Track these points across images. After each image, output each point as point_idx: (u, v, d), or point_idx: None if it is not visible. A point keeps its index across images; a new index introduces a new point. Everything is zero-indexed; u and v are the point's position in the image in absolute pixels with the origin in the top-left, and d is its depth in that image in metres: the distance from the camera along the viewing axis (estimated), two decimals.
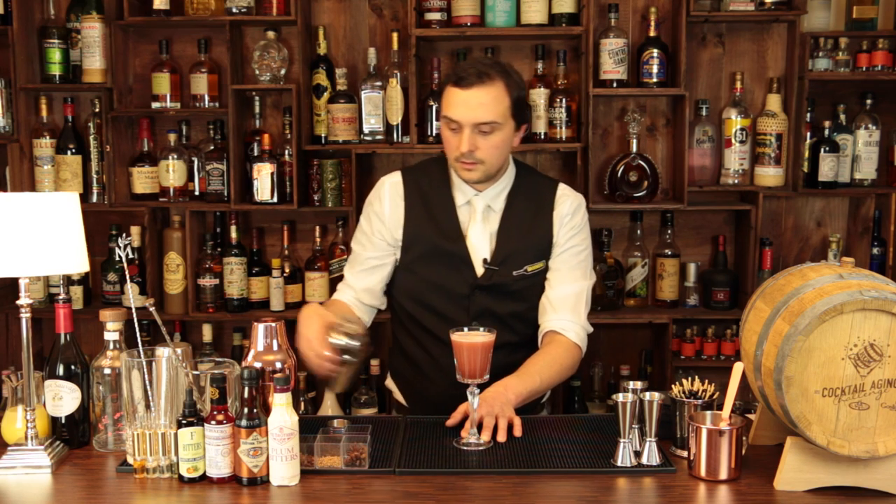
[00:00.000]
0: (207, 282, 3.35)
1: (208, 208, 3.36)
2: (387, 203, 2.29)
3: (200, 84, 3.34)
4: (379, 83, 3.27)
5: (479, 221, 2.26)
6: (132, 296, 1.93)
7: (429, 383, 2.30)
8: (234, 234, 3.35)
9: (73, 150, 3.34)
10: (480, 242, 2.25)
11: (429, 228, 2.27)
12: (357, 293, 2.32)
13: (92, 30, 3.28)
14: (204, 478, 1.75)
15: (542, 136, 3.29)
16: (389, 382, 2.49)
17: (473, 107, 2.12)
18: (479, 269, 2.24)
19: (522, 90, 2.22)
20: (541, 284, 2.30)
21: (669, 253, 3.38)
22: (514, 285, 2.25)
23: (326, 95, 3.32)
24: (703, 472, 1.75)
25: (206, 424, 1.73)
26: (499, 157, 2.20)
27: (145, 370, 1.82)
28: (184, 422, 1.74)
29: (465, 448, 1.91)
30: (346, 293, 2.33)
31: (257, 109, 3.38)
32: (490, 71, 2.14)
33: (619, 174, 3.27)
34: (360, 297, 2.32)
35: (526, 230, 2.27)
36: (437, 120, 3.23)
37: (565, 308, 2.24)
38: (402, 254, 2.29)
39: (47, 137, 3.36)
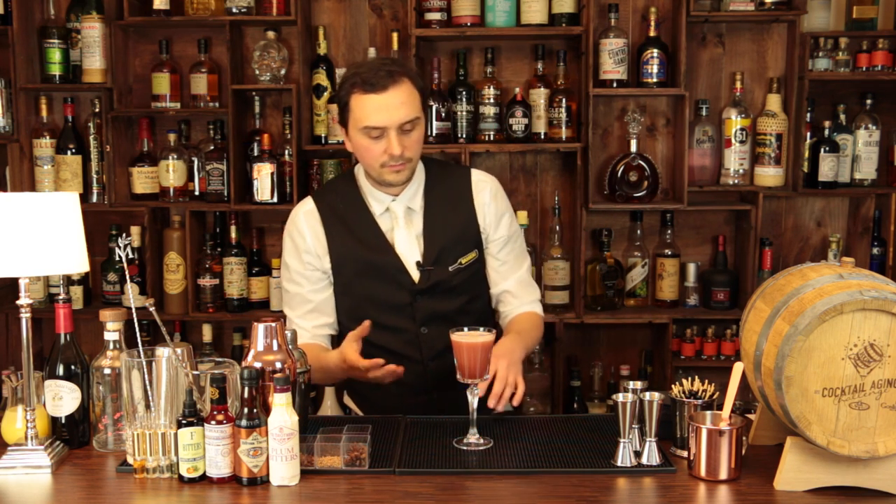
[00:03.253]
0: (207, 282, 3.35)
1: (208, 208, 3.36)
2: (307, 234, 2.25)
3: (200, 84, 3.34)
4: None
5: (403, 226, 2.23)
6: (132, 296, 1.93)
7: (385, 395, 2.24)
8: (234, 234, 3.35)
9: (73, 150, 3.34)
10: (409, 247, 2.23)
11: (354, 246, 2.23)
12: (313, 333, 2.26)
13: (92, 30, 3.28)
14: (204, 478, 1.75)
15: (542, 136, 3.29)
16: (347, 400, 2.47)
17: (396, 107, 2.10)
18: (415, 274, 2.22)
19: (423, 81, 2.23)
20: (479, 273, 2.30)
21: (669, 253, 3.38)
22: (452, 280, 2.24)
23: (326, 95, 3.32)
24: (703, 472, 1.75)
25: (206, 424, 1.73)
26: (420, 152, 2.21)
27: (145, 370, 1.82)
28: (184, 422, 1.74)
29: (465, 448, 1.91)
30: (302, 337, 2.23)
31: (257, 109, 3.38)
32: (397, 69, 2.13)
33: (619, 174, 3.27)
34: (320, 333, 2.27)
35: (451, 224, 2.25)
36: (438, 120, 3.24)
37: (524, 292, 2.33)
38: (335, 277, 2.26)
39: (47, 137, 3.36)
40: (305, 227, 2.27)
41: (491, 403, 1.97)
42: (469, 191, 2.29)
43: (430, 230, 2.24)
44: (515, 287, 2.32)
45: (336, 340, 2.31)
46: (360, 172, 2.29)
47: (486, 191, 2.30)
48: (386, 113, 2.10)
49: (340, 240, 2.24)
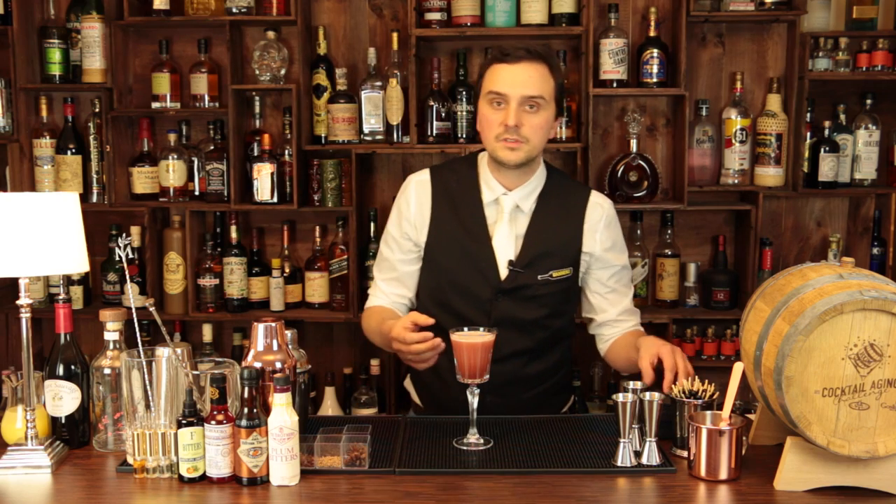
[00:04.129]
0: (207, 282, 3.35)
1: (208, 208, 3.36)
2: (413, 203, 2.27)
3: (200, 84, 3.34)
4: (379, 83, 3.27)
5: (506, 222, 2.22)
6: (132, 296, 1.93)
7: (446, 387, 2.24)
8: (234, 234, 3.35)
9: (73, 150, 3.34)
10: (506, 244, 2.21)
11: (455, 227, 2.24)
12: (392, 299, 2.32)
13: (92, 30, 3.28)
14: (204, 478, 1.76)
15: None
16: (408, 383, 2.48)
17: (523, 80, 2.11)
18: (504, 273, 2.21)
19: (563, 79, 2.22)
20: (567, 292, 2.27)
21: (669, 253, 3.38)
22: (538, 290, 2.22)
23: (326, 95, 3.32)
24: (703, 472, 1.75)
25: (206, 424, 1.73)
26: (541, 140, 2.18)
27: (145, 370, 1.82)
28: (184, 422, 1.74)
29: (465, 448, 1.91)
30: (381, 299, 2.33)
31: (257, 109, 3.38)
32: (538, 50, 2.15)
33: (619, 174, 3.27)
34: (398, 301, 2.33)
35: (555, 234, 2.23)
36: (438, 120, 3.24)
37: (630, 317, 2.34)
38: (426, 253, 2.27)
39: (47, 137, 3.36)
40: (413, 195, 2.28)
41: (666, 390, 1.94)
42: (583, 210, 2.27)
43: (532, 234, 2.22)
44: (622, 315, 2.32)
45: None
46: (482, 158, 2.29)
47: (601, 217, 2.28)
48: (511, 81, 2.11)
49: (443, 217, 2.25)
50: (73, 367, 1.94)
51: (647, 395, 1.81)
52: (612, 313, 2.31)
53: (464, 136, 3.26)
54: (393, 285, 2.33)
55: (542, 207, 2.24)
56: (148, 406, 1.82)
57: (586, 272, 2.30)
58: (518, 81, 2.11)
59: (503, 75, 2.12)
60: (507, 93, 2.11)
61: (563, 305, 2.29)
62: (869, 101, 3.32)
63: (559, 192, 2.27)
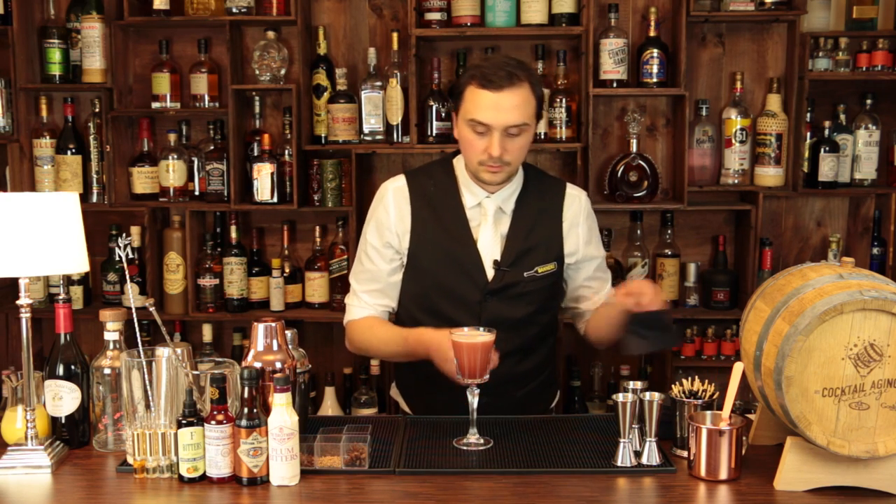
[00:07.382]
0: (207, 282, 3.35)
1: (208, 208, 3.36)
2: (392, 211, 2.24)
3: (200, 84, 3.34)
4: (379, 83, 3.27)
5: (491, 224, 2.22)
6: (132, 296, 1.93)
7: (437, 393, 2.20)
8: (234, 234, 3.35)
9: (73, 150, 3.34)
10: (491, 245, 2.21)
11: (438, 233, 2.22)
12: (376, 309, 2.29)
13: (92, 30, 3.28)
14: (204, 478, 1.76)
15: (542, 136, 3.29)
16: (395, 392, 2.46)
17: (506, 110, 2.06)
18: (490, 273, 2.21)
19: (542, 88, 2.20)
20: (551, 286, 2.28)
21: (669, 253, 3.38)
22: (525, 287, 2.22)
23: (326, 95, 3.32)
24: (703, 472, 1.75)
25: (206, 424, 1.73)
26: (522, 158, 2.18)
27: (145, 370, 1.82)
28: (184, 422, 1.74)
29: (465, 448, 1.91)
30: (367, 310, 2.28)
31: (257, 109, 3.38)
32: (518, 72, 2.09)
33: (619, 174, 3.27)
34: (382, 312, 2.30)
35: (537, 231, 2.24)
36: (438, 120, 3.23)
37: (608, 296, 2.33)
38: (409, 260, 2.25)
39: (47, 137, 3.36)
40: (392, 202, 2.25)
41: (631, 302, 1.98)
42: (560, 204, 2.27)
43: (515, 233, 2.22)
44: (604, 299, 2.33)
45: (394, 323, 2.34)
46: (458, 163, 2.27)
47: (580, 210, 2.29)
48: (494, 112, 2.07)
49: (424, 223, 2.23)
50: (73, 367, 1.94)
51: (647, 395, 1.81)
52: (596, 301, 2.33)
53: None
54: (376, 296, 2.28)
55: (522, 206, 2.25)
56: (148, 406, 1.82)
57: (572, 268, 2.31)
58: (501, 112, 2.06)
59: (485, 103, 2.06)
60: (491, 123, 2.07)
61: (550, 301, 2.31)
62: (869, 101, 3.32)
63: (537, 188, 2.28)
